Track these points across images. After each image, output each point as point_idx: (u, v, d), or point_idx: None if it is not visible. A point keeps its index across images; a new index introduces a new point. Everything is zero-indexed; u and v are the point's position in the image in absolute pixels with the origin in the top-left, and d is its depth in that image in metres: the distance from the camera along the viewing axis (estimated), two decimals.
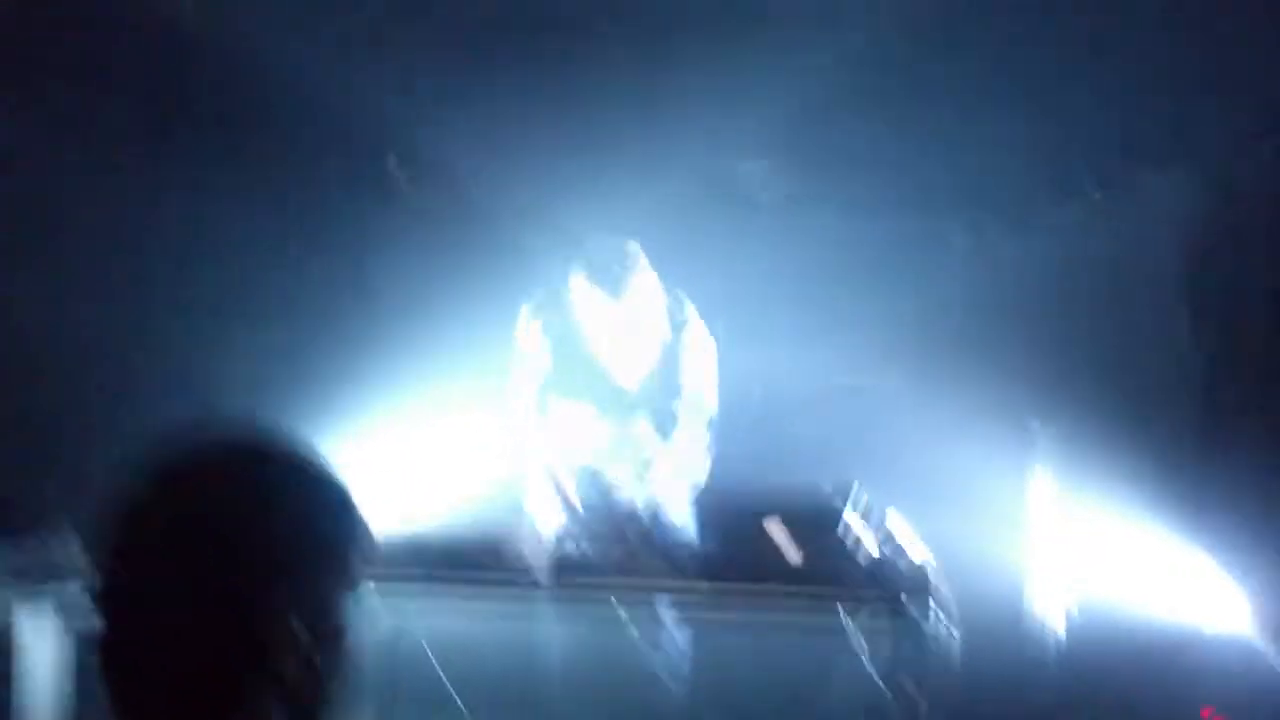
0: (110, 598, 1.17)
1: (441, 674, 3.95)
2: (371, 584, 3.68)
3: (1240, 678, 4.46)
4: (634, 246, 4.04)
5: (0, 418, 4.62)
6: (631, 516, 4.15)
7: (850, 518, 3.63)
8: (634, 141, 5.25)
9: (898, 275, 5.92)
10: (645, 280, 3.99)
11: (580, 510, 4.18)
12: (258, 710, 1.14)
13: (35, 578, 3.61)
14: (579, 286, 4.02)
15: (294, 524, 1.19)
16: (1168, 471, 5.09)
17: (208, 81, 4.86)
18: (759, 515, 3.63)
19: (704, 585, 3.61)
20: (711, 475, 4.52)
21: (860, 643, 3.71)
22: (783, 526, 3.56)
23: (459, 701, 3.94)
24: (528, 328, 4.19)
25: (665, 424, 4.23)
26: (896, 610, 3.50)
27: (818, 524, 3.60)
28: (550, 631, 4.44)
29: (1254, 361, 5.20)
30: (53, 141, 4.72)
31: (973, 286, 5.98)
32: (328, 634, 1.18)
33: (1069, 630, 4.47)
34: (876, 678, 3.80)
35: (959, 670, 3.56)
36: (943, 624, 3.52)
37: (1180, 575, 4.53)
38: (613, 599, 3.72)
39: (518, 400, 4.25)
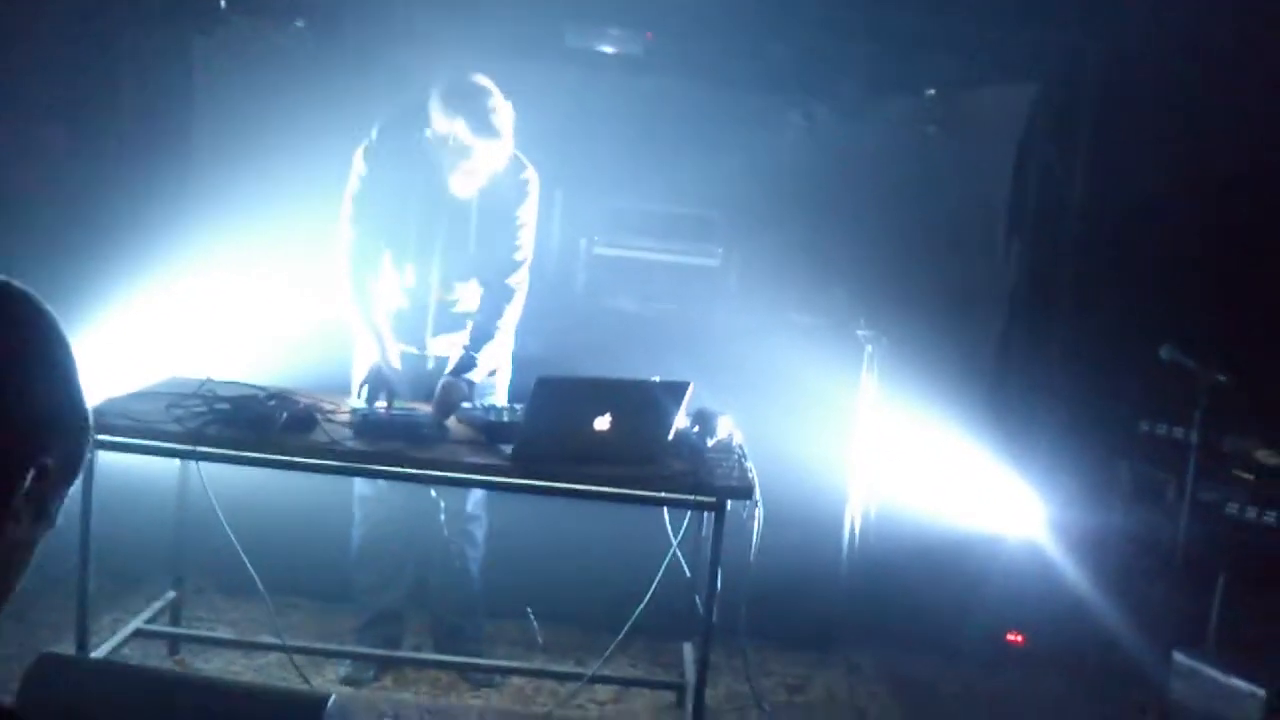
0: None
1: (235, 540, 3.74)
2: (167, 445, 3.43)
3: (1031, 585, 4.69)
4: (488, 81, 3.84)
5: None
6: (444, 372, 3.96)
7: (679, 415, 3.56)
8: None
9: (733, 149, 5.82)
10: (500, 119, 3.80)
11: (395, 363, 3.99)
12: None
13: None
14: (434, 115, 3.81)
15: None
16: (975, 378, 5.23)
17: None
18: (584, 400, 3.51)
19: (517, 465, 3.47)
20: (534, 343, 4.40)
21: (673, 535, 3.71)
22: (608, 417, 3.45)
23: (250, 569, 3.74)
24: (364, 158, 3.93)
25: (489, 272, 4.07)
26: (714, 505, 3.48)
27: (645, 416, 3.52)
28: (355, 501, 4.28)
29: (1061, 278, 5.35)
30: None
31: (804, 172, 5.93)
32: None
33: (867, 530, 4.59)
34: (686, 568, 3.82)
35: (768, 565, 3.58)
36: (757, 521, 3.52)
37: (981, 482, 4.68)
38: (421, 471, 3.55)
39: (345, 239, 3.98)
